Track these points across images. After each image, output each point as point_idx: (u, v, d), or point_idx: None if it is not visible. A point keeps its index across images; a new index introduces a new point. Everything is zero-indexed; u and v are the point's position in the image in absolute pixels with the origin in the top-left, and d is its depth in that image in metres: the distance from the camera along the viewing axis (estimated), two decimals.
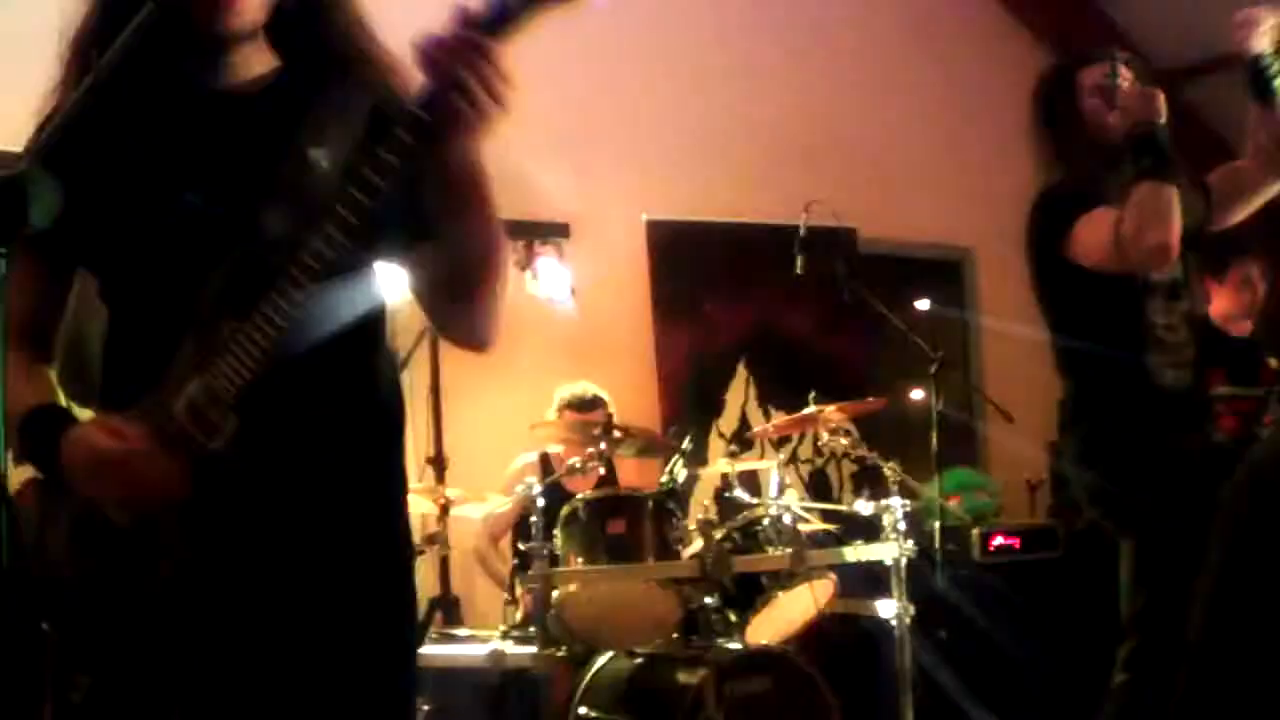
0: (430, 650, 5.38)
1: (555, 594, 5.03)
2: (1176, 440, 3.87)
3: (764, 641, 5.41)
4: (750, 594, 5.40)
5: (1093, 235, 3.78)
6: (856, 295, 6.36)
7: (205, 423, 2.04)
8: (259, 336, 2.02)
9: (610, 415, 6.10)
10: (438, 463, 6.64)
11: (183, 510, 2.06)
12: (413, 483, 6.36)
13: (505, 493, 5.92)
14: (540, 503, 5.15)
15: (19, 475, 2.11)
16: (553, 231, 7.27)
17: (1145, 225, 3.67)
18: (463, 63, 1.91)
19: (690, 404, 7.65)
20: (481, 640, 5.29)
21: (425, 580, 6.53)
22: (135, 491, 2.04)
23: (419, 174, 2.04)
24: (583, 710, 5.18)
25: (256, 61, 2.25)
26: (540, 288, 7.07)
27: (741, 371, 7.92)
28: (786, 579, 5.38)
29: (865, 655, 6.43)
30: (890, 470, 5.78)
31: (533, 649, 4.98)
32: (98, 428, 2.06)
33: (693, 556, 5.19)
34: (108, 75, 1.98)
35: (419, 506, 5.80)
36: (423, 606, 6.35)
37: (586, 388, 6.31)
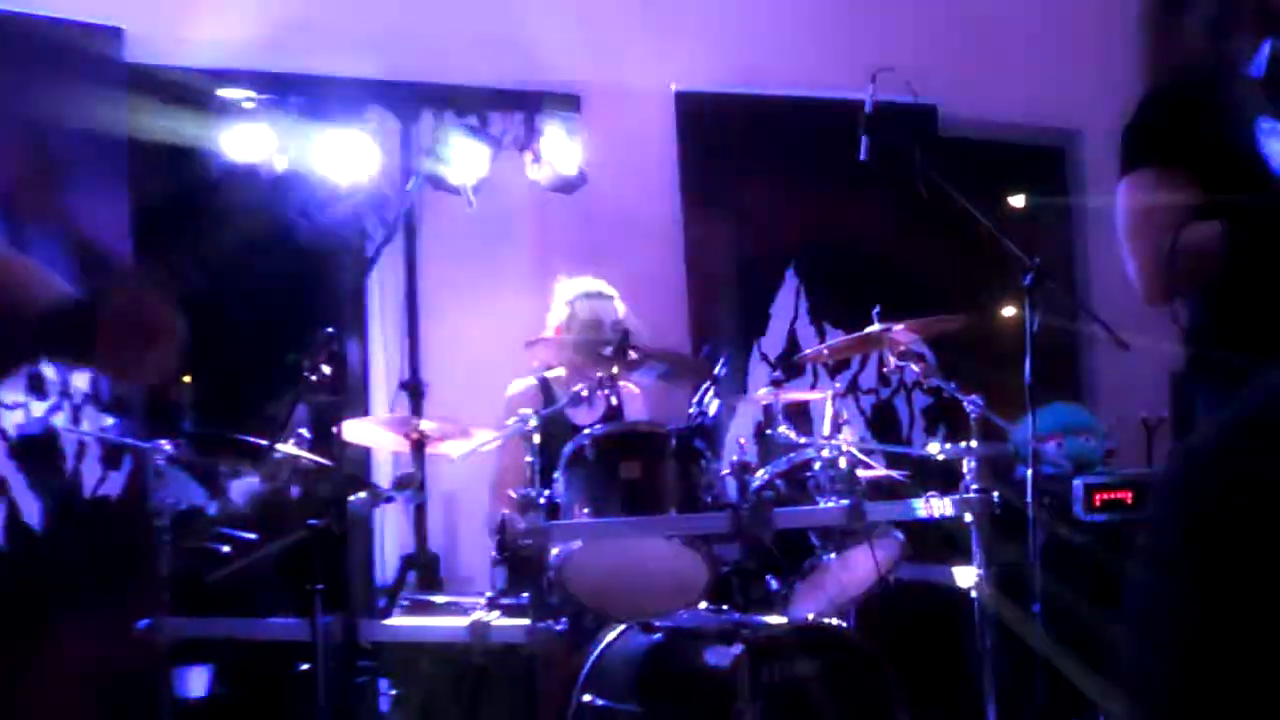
0: (399, 622, 5.32)
1: (554, 553, 4.89)
2: None
3: (812, 614, 5.27)
4: (796, 556, 5.28)
5: (1126, 209, 3.62)
6: (935, 187, 5.99)
7: None
8: None
9: (624, 327, 5.85)
10: (413, 389, 6.58)
11: None
12: (382, 413, 6.51)
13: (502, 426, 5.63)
14: (537, 439, 5.00)
15: None
16: (560, 103, 7.01)
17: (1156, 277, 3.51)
18: None
19: (727, 318, 7.51)
20: (464, 610, 5.13)
21: (397, 534, 6.59)
22: None
23: None
24: (587, 698, 5.05)
25: None
26: (543, 173, 6.83)
27: (791, 279, 7.73)
28: (842, 538, 5.26)
29: (938, 633, 6.34)
30: (973, 405, 5.58)
31: (525, 621, 4.82)
32: None
33: (726, 508, 5.02)
34: None
35: (389, 443, 5.73)
36: (393, 565, 6.38)
37: (593, 283, 6.18)
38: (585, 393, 5.36)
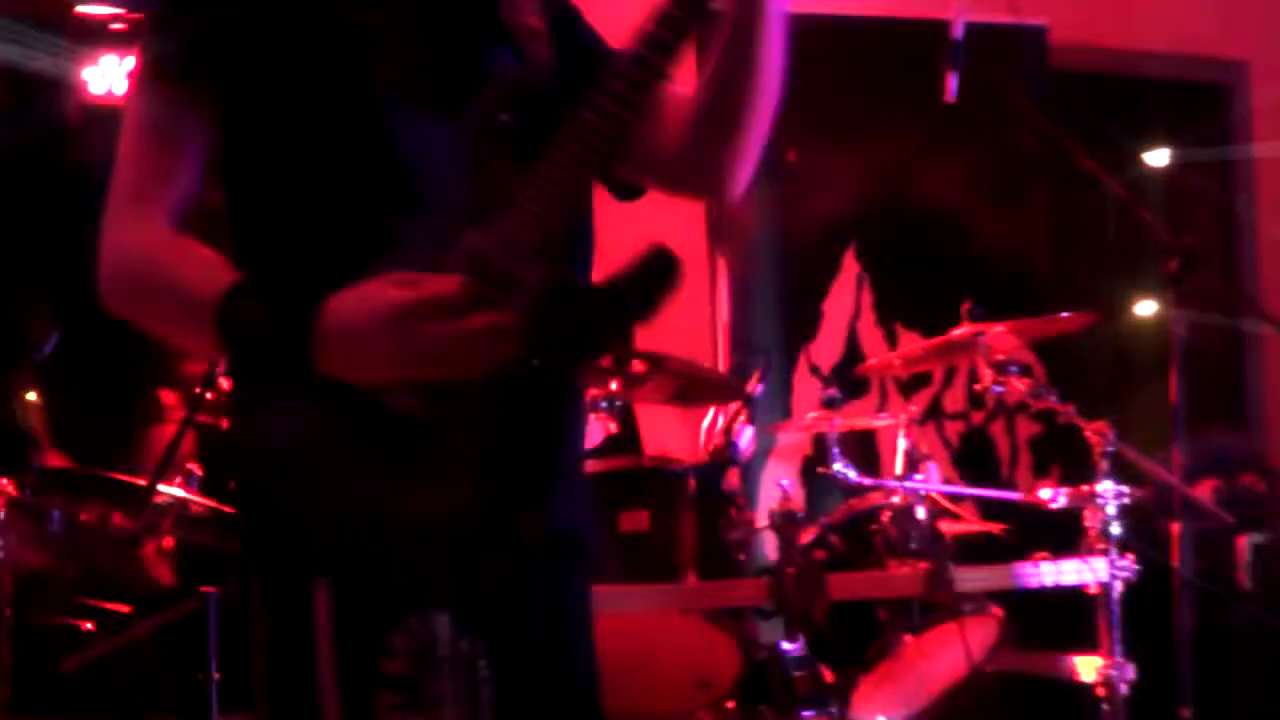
0: None
1: None
2: None
3: (882, 718, 5.17)
4: (859, 638, 5.12)
5: None
6: (1045, 139, 5.97)
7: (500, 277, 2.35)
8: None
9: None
10: None
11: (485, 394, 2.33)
12: None
13: None
14: None
15: None
16: None
17: None
18: None
19: (765, 317, 7.23)
20: None
21: None
22: (456, 352, 2.24)
23: None
24: None
25: None
26: None
27: (850, 265, 7.35)
28: (920, 614, 5.08)
29: None
30: (1098, 435, 5.28)
31: None
32: (381, 283, 2.28)
33: (763, 572, 4.93)
34: None
35: None
36: None
37: None
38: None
